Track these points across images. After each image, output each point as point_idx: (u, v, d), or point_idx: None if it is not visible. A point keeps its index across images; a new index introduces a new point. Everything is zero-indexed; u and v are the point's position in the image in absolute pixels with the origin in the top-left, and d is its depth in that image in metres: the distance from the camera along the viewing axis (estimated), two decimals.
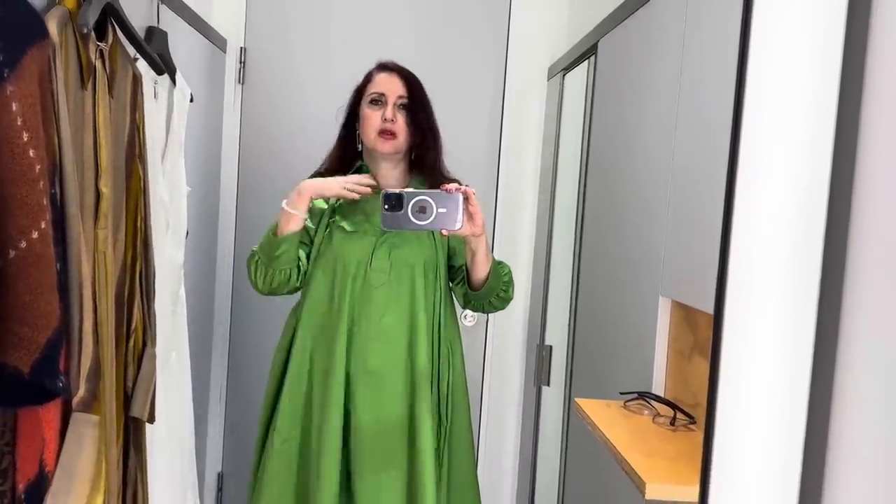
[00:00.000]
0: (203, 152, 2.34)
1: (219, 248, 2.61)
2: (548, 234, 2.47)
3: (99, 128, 1.33)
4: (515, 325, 2.73)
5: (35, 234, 1.05)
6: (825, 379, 0.77)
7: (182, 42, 2.02)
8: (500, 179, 2.68)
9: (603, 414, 1.28)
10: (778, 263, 0.77)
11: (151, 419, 1.56)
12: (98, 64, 1.33)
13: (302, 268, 1.78)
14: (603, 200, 1.92)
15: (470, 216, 1.61)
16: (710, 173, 1.23)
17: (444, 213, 1.58)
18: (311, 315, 1.78)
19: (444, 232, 1.60)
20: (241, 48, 2.58)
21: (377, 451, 1.73)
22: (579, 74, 2.27)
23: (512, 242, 2.67)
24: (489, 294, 1.76)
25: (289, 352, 1.80)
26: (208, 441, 2.64)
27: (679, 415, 1.23)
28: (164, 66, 1.70)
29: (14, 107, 1.02)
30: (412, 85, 1.78)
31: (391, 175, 1.83)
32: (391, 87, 1.77)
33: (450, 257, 1.83)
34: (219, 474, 2.69)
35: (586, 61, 2.17)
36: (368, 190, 1.73)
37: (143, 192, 1.55)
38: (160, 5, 1.80)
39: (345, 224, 1.79)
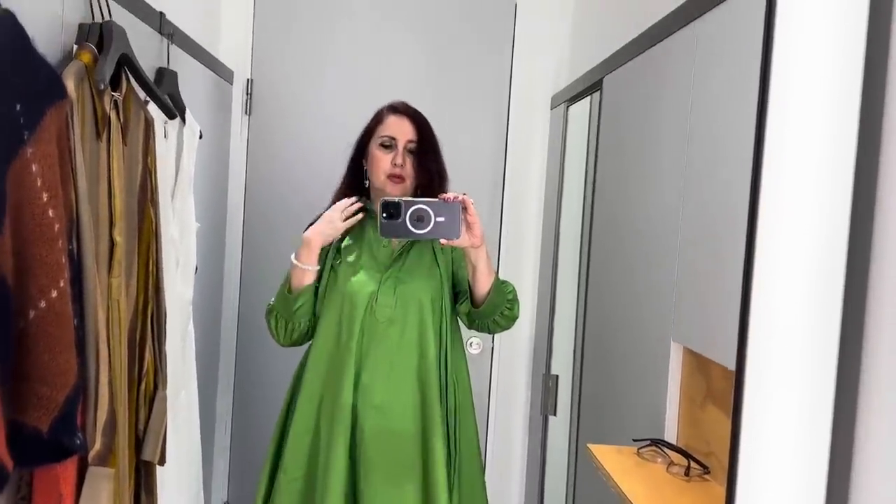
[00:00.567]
0: (210, 184, 2.35)
1: (225, 279, 2.62)
2: (553, 263, 2.48)
3: (113, 177, 1.34)
4: (521, 353, 2.74)
5: (54, 294, 1.06)
6: (845, 440, 0.78)
7: (189, 75, 2.04)
8: (504, 208, 2.69)
9: (616, 462, 1.28)
10: (799, 317, 0.77)
11: (162, 461, 1.56)
12: (112, 114, 1.34)
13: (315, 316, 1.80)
14: (610, 235, 1.93)
15: (468, 226, 1.61)
16: (723, 218, 1.23)
17: (442, 221, 1.58)
18: (319, 353, 1.78)
19: (443, 242, 1.60)
20: (248, 80, 2.60)
21: (388, 483, 1.73)
22: (583, 107, 2.28)
23: (517, 270, 2.68)
24: (493, 311, 1.75)
25: (298, 387, 1.81)
26: (214, 470, 2.64)
27: (693, 464, 1.24)
28: (174, 107, 1.71)
29: (34, 168, 1.03)
30: (422, 129, 1.79)
31: None
32: (401, 131, 1.78)
33: (454, 284, 1.84)
34: (224, 503, 2.69)
35: (590, 95, 2.19)
36: (359, 206, 1.76)
37: (154, 235, 1.55)
38: (170, 45, 1.82)
39: (349, 261, 1.79)
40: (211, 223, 2.36)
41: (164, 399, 1.58)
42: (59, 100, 1.09)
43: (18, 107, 0.99)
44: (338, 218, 1.75)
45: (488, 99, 2.66)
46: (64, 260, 1.09)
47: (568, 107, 2.44)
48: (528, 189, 2.70)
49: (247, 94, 2.60)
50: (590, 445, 1.37)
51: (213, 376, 2.57)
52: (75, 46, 1.27)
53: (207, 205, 2.30)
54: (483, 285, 1.72)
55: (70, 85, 1.17)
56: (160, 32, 1.77)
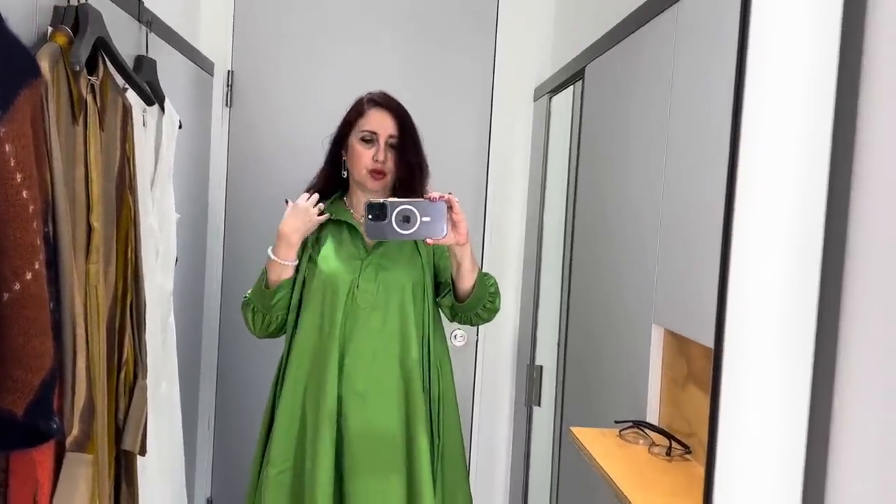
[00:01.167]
0: (191, 176, 2.33)
1: (206, 271, 2.60)
2: (536, 255, 2.48)
3: (90, 162, 1.33)
4: (505, 344, 2.74)
5: (29, 276, 1.05)
6: (824, 411, 0.78)
7: (169, 66, 2.02)
8: (489, 199, 2.69)
9: (599, 444, 1.28)
10: (777, 295, 0.78)
11: (143, 452, 1.55)
12: (89, 98, 1.33)
13: (291, 311, 1.79)
14: (593, 223, 1.93)
15: (454, 224, 1.61)
16: (702, 201, 1.24)
17: (428, 221, 1.58)
18: (303, 343, 1.77)
19: (429, 241, 1.61)
20: (229, 71, 2.58)
21: (373, 473, 1.73)
22: (566, 97, 2.28)
23: (500, 262, 2.68)
24: (476, 305, 1.76)
25: (282, 380, 1.80)
26: (197, 466, 2.62)
27: (675, 445, 1.24)
28: (152, 95, 1.70)
29: (7, 148, 1.02)
30: (403, 123, 1.78)
31: None
32: (383, 125, 1.77)
33: (435, 275, 1.84)
34: (208, 500, 2.67)
35: (573, 85, 2.19)
36: (318, 202, 1.76)
37: (133, 223, 1.54)
38: (149, 33, 1.80)
39: (328, 251, 1.79)
40: (192, 215, 2.34)
41: (145, 389, 1.56)
42: (33, 79, 1.07)
43: None
44: (315, 213, 1.75)
45: (471, 92, 2.66)
46: (39, 242, 1.07)
47: (551, 98, 2.44)
48: (511, 181, 2.70)
49: (227, 85, 2.58)
50: (572, 429, 1.37)
51: (195, 370, 2.55)
52: (50, 29, 1.26)
53: (188, 196, 2.28)
54: (467, 282, 1.73)
55: (45, 65, 1.16)
56: (138, 20, 1.75)
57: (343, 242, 1.79)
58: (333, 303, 1.74)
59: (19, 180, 1.04)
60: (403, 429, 1.74)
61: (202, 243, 2.54)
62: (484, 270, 1.83)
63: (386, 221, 1.58)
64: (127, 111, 1.52)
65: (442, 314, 1.87)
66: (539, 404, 2.45)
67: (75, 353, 1.19)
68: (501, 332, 2.71)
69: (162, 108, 1.82)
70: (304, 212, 1.75)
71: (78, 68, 1.22)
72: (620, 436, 1.34)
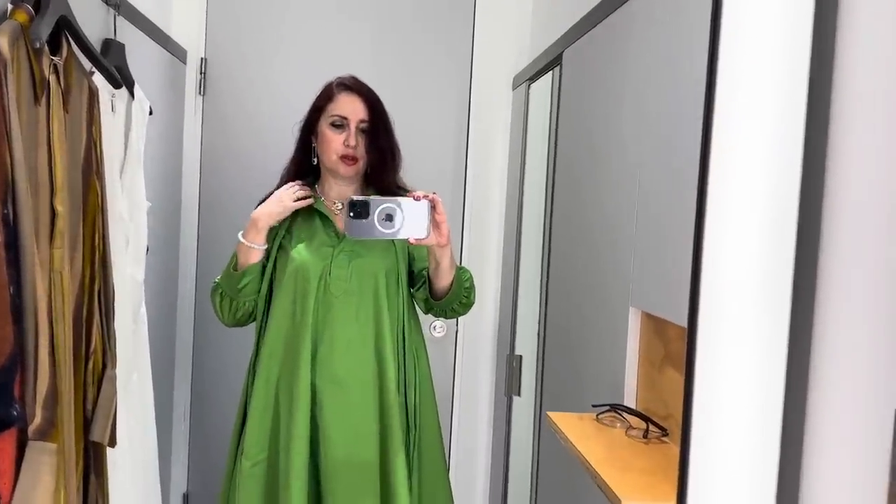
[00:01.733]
0: (163, 165, 2.29)
1: (180, 262, 2.56)
2: (516, 244, 2.47)
3: (53, 144, 1.29)
4: (485, 335, 2.72)
5: None
6: (799, 390, 0.77)
7: (141, 53, 1.98)
8: (468, 189, 2.67)
9: (576, 428, 1.27)
10: (750, 274, 0.77)
11: (112, 443, 1.51)
12: (52, 79, 1.29)
13: (261, 300, 1.77)
14: (571, 210, 1.92)
15: (436, 225, 1.60)
16: (678, 183, 1.23)
17: (410, 221, 1.57)
18: (275, 331, 1.74)
19: (412, 241, 1.59)
20: (202, 59, 2.54)
21: (349, 461, 1.70)
22: (544, 84, 2.27)
23: (480, 252, 2.66)
24: (452, 301, 1.76)
25: (255, 370, 1.77)
26: (173, 461, 2.58)
27: (651, 427, 1.23)
28: (121, 79, 1.66)
29: None
30: (374, 107, 1.75)
31: (348, 190, 1.81)
32: (353, 110, 1.74)
33: (409, 263, 1.82)
34: (184, 494, 2.63)
35: (551, 72, 2.18)
36: (309, 192, 1.74)
37: (100, 209, 1.50)
38: (117, 17, 1.76)
39: (300, 240, 1.76)
40: (164, 204, 2.30)
41: (114, 378, 1.53)
42: None
43: None
44: (287, 198, 1.72)
45: (449, 80, 2.63)
46: None
47: (529, 85, 2.42)
48: (490, 170, 2.68)
49: (201, 73, 2.54)
50: (549, 413, 1.35)
51: (170, 363, 2.51)
52: (10, 6, 1.22)
53: (161, 185, 2.24)
54: (444, 280, 1.72)
55: (3, 43, 1.12)
56: (106, 3, 1.71)
57: (315, 230, 1.76)
58: (305, 290, 1.71)
59: None
60: (378, 417, 1.71)
61: (175, 233, 2.50)
62: (462, 262, 1.81)
63: (368, 220, 1.56)
64: (93, 94, 1.49)
65: (416, 307, 1.86)
66: (519, 394, 2.43)
67: (38, 339, 1.15)
68: (481, 323, 2.69)
69: (131, 94, 1.78)
70: (278, 199, 1.73)
71: (38, 45, 1.19)
72: (598, 420, 1.32)
